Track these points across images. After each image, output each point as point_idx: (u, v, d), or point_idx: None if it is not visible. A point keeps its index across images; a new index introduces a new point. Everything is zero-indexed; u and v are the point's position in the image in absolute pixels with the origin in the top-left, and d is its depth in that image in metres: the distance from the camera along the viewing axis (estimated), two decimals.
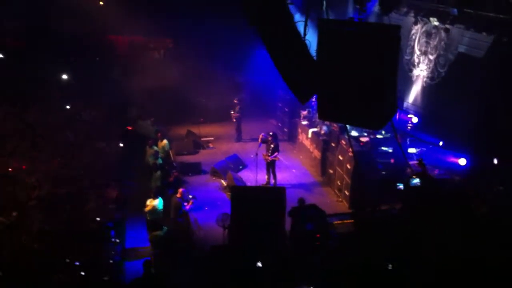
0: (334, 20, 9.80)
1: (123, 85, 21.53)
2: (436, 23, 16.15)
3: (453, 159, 14.78)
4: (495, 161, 13.60)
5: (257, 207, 12.56)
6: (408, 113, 17.16)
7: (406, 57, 17.77)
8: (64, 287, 10.81)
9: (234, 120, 21.57)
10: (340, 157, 16.21)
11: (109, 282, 11.25)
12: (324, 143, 17.80)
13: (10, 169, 15.18)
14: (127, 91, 21.35)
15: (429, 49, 16.74)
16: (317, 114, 13.92)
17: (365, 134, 16.49)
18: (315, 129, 18.91)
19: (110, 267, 11.79)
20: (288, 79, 9.06)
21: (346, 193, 15.54)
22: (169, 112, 22.17)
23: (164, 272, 11.94)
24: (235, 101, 21.66)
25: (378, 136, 16.32)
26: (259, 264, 10.81)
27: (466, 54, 15.07)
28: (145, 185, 16.14)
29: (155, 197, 14.01)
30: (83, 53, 22.15)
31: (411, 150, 15.81)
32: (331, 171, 17.09)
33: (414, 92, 17.48)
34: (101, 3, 23.31)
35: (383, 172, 15.23)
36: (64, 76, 21.95)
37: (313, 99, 14.08)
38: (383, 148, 15.95)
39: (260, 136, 17.15)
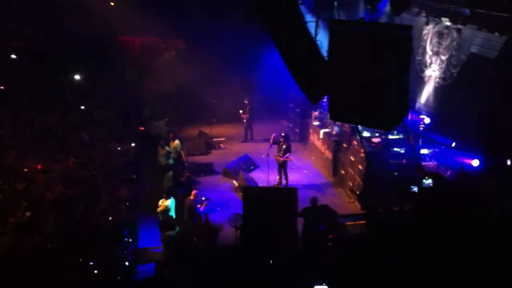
0: (345, 21, 9.77)
1: (135, 86, 21.67)
2: (448, 23, 16.08)
3: (466, 160, 14.68)
4: (508, 162, 13.50)
5: (269, 208, 12.55)
6: (420, 114, 17.08)
7: (418, 58, 17.70)
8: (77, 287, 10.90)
9: (244, 120, 21.62)
10: (352, 158, 16.19)
11: (122, 281, 11.30)
12: (336, 144, 17.79)
13: (25, 169, 15.37)
14: (140, 92, 21.48)
15: (441, 50, 16.66)
16: (328, 115, 13.97)
17: (377, 134, 16.44)
18: (326, 130, 18.90)
19: (122, 267, 11.84)
20: (299, 80, 9.07)
21: (358, 193, 15.49)
22: (181, 113, 22.28)
23: (176, 272, 11.97)
24: (246, 102, 21.71)
25: (390, 137, 16.26)
26: (271, 263, 10.81)
27: (478, 55, 14.98)
28: (157, 185, 16.22)
29: (167, 197, 14.06)
30: (96, 54, 22.32)
31: (424, 151, 15.73)
32: (342, 171, 17.07)
33: (426, 93, 17.40)
34: (112, 4, 23.46)
35: (395, 173, 15.17)
36: (77, 77, 22.19)
37: (325, 100, 14.10)
38: (395, 149, 15.89)
39: (272, 137, 17.18)
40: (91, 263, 11.52)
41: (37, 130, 18.25)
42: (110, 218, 13.67)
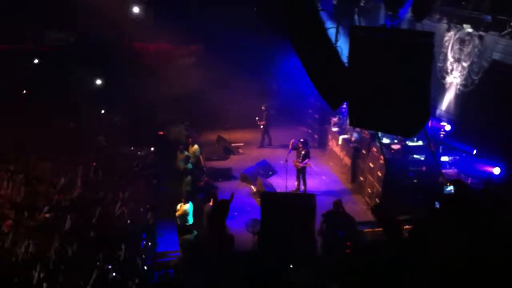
0: (366, 27, 9.79)
1: (153, 91, 21.80)
2: (470, 30, 15.94)
3: (487, 168, 14.51)
4: None
5: (287, 213, 12.54)
6: (441, 121, 16.93)
7: (439, 65, 17.55)
8: None
9: (261, 126, 21.64)
10: (371, 165, 16.09)
11: (140, 285, 11.34)
12: (355, 150, 17.69)
13: (46, 172, 15.60)
14: (157, 97, 21.60)
15: (462, 56, 16.50)
16: (347, 121, 13.91)
17: (396, 141, 16.33)
18: (345, 136, 18.82)
19: (141, 271, 11.89)
20: (319, 86, 9.06)
21: (377, 201, 15.40)
22: (199, 118, 22.37)
23: (192, 276, 11.99)
24: (263, 108, 21.70)
25: (410, 144, 16.13)
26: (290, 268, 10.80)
27: (500, 61, 14.81)
28: (176, 190, 16.28)
29: (185, 202, 14.10)
30: (113, 60, 22.53)
31: (444, 158, 15.58)
32: (361, 178, 16.97)
33: (447, 100, 17.25)
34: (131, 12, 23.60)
35: (415, 180, 15.04)
36: (98, 82, 22.44)
37: (344, 106, 14.05)
38: (415, 156, 15.75)
39: (291, 143, 17.15)
40: (109, 266, 11.61)
41: (57, 134, 18.53)
42: (128, 221, 13.79)
